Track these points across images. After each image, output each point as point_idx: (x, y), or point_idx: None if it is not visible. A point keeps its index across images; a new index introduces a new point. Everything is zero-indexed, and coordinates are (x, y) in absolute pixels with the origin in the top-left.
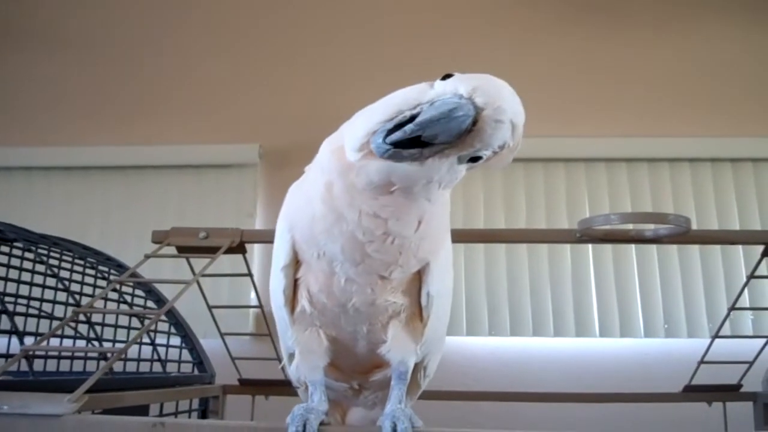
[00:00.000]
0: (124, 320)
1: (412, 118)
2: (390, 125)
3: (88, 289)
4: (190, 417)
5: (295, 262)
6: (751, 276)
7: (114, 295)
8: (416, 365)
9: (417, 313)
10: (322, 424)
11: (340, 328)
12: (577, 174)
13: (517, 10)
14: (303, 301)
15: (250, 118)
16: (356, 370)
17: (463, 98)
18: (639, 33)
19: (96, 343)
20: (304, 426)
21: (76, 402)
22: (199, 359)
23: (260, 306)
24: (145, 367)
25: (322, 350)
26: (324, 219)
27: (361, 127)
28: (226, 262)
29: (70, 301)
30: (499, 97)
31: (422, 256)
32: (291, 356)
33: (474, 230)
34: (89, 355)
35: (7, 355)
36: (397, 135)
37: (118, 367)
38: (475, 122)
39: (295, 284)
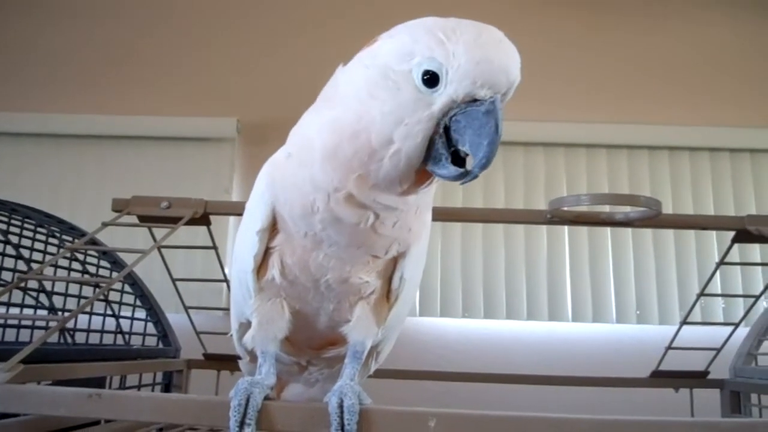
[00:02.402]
0: (89, 293)
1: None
2: (445, 159)
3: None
4: (153, 391)
5: (271, 228)
6: (721, 262)
7: (77, 266)
8: (370, 349)
9: (385, 296)
10: (266, 399)
11: (306, 303)
12: (556, 159)
13: None
14: (273, 271)
15: (228, 92)
16: (310, 345)
17: (485, 103)
18: (622, 21)
19: (56, 314)
20: (248, 400)
21: (9, 371)
22: (164, 333)
23: (225, 280)
24: (108, 341)
25: (283, 322)
26: (328, 215)
27: (402, 169)
28: (201, 236)
29: (30, 270)
30: (511, 73)
31: (416, 230)
32: (242, 325)
33: (443, 208)
34: (50, 324)
35: None
36: (467, 180)
37: (80, 339)
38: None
39: (265, 251)
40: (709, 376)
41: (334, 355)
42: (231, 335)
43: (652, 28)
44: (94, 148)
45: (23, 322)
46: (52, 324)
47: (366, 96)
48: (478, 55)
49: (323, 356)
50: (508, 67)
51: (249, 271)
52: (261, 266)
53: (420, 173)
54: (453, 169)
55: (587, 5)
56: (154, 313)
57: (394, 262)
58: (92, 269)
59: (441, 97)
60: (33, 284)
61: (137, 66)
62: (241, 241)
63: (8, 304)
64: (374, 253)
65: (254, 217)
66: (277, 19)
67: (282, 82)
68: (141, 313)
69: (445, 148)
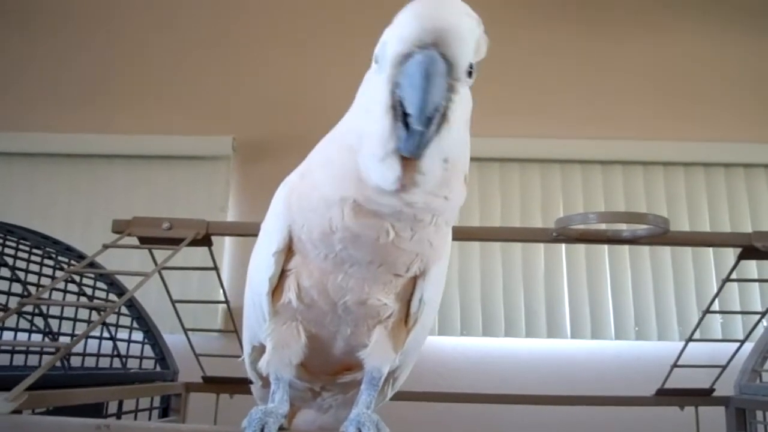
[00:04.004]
0: (84, 315)
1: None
2: (400, 130)
3: (46, 281)
4: (150, 416)
5: (287, 250)
6: (727, 279)
7: (74, 288)
8: (387, 374)
9: (403, 320)
10: (281, 428)
11: (323, 327)
12: (552, 175)
13: (494, 9)
14: (290, 294)
15: (224, 110)
16: (325, 370)
17: (417, 51)
18: (617, 37)
19: (54, 338)
20: (262, 430)
21: (14, 401)
22: (162, 355)
23: (226, 301)
24: (105, 363)
25: (299, 347)
26: (347, 234)
27: (381, 156)
28: (197, 256)
29: (26, 293)
30: (439, 19)
31: (437, 245)
32: (255, 348)
33: None
34: (45, 349)
35: None
36: (412, 141)
37: (75, 362)
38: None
39: (281, 274)
40: (714, 394)
41: (349, 381)
42: (242, 359)
43: (647, 46)
44: (88, 167)
45: (26, 348)
46: (49, 350)
47: (353, 106)
48: (407, 15)
49: (338, 382)
50: (434, 16)
51: (264, 294)
52: (276, 289)
53: (406, 165)
54: (403, 134)
55: (583, 23)
56: (152, 336)
57: (413, 283)
58: (89, 290)
59: (384, 67)
60: (28, 307)
61: (132, 85)
62: (256, 262)
63: (2, 328)
64: (396, 271)
65: (270, 238)
66: (272, 38)
67: (278, 101)
68: (138, 335)
69: (400, 119)
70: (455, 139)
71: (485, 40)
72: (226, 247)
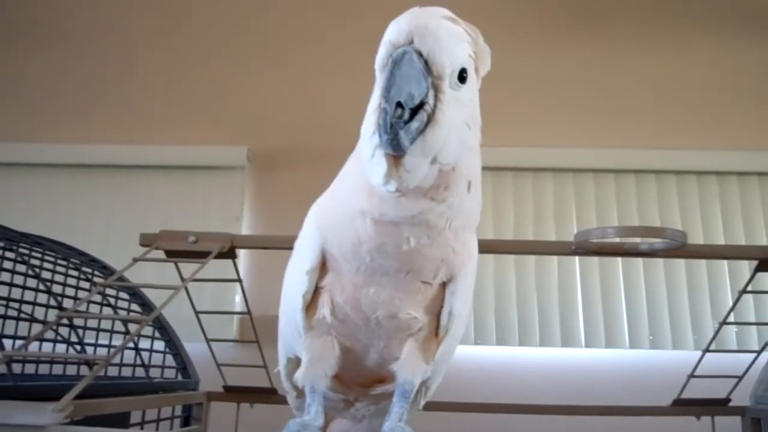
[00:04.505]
0: (106, 323)
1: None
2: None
3: (70, 291)
4: (172, 424)
5: (320, 267)
6: (743, 291)
7: (97, 298)
8: (420, 383)
9: (434, 332)
10: None
11: (356, 340)
12: (565, 183)
13: (507, 19)
14: (324, 310)
15: (239, 121)
16: (358, 382)
17: (395, 47)
18: (628, 46)
19: (78, 347)
20: None
21: (62, 411)
22: (183, 365)
23: (248, 312)
24: (127, 371)
25: (333, 360)
26: (373, 244)
27: (371, 153)
28: (213, 266)
29: (52, 303)
30: (411, 21)
31: (459, 250)
32: (290, 361)
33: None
34: (71, 360)
35: None
36: (385, 126)
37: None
38: (421, 55)
39: (315, 291)
40: (730, 404)
41: (381, 392)
42: (278, 371)
43: (660, 55)
44: (107, 178)
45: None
46: (73, 360)
47: None
48: (391, 24)
49: (371, 393)
50: (410, 18)
51: (298, 310)
52: (310, 305)
53: (394, 162)
54: (380, 128)
55: (596, 33)
56: (173, 345)
57: (442, 297)
58: (112, 300)
59: (377, 73)
60: (53, 316)
61: (146, 95)
62: (290, 280)
63: (31, 340)
64: (423, 278)
65: (304, 257)
66: (287, 48)
67: (292, 111)
68: (159, 345)
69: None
70: (446, 140)
71: (487, 51)
72: (242, 257)
